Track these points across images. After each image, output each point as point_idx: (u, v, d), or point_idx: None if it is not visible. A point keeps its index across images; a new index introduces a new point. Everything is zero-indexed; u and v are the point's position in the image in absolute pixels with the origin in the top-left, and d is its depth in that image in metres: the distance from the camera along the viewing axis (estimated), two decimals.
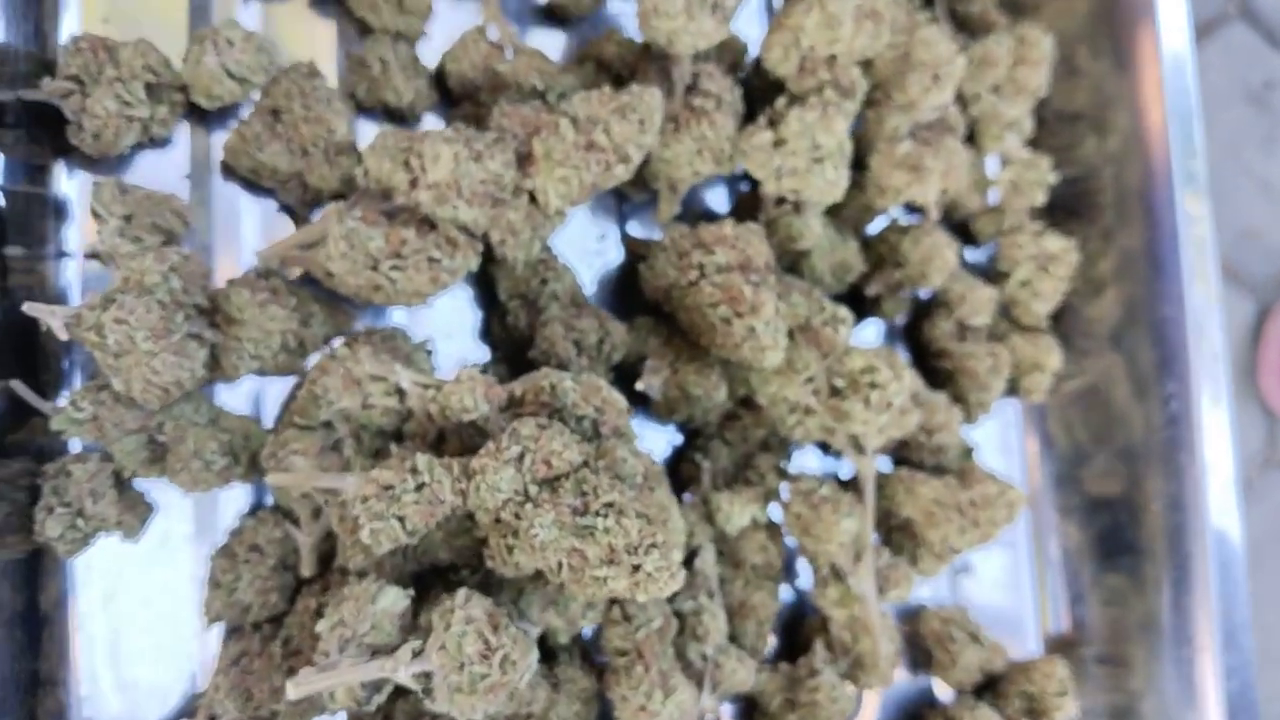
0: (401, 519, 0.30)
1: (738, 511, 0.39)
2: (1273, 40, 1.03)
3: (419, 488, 0.30)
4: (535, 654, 0.31)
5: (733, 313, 0.36)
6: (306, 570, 0.35)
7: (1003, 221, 0.47)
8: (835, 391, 0.39)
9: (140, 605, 0.37)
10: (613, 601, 0.36)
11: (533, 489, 0.30)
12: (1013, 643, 0.48)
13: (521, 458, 0.30)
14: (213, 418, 0.36)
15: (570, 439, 0.31)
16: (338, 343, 0.36)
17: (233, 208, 0.39)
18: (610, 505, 0.29)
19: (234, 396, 0.38)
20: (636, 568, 0.29)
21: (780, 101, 0.39)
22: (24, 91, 0.35)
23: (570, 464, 0.30)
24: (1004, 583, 0.49)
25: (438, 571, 0.36)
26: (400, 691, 0.33)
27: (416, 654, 0.30)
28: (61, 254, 0.37)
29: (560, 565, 0.29)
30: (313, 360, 0.37)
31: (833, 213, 0.43)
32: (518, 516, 0.30)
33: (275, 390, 0.39)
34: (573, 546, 0.29)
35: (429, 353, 0.37)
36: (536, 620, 0.35)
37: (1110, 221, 0.47)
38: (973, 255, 0.50)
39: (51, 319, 0.32)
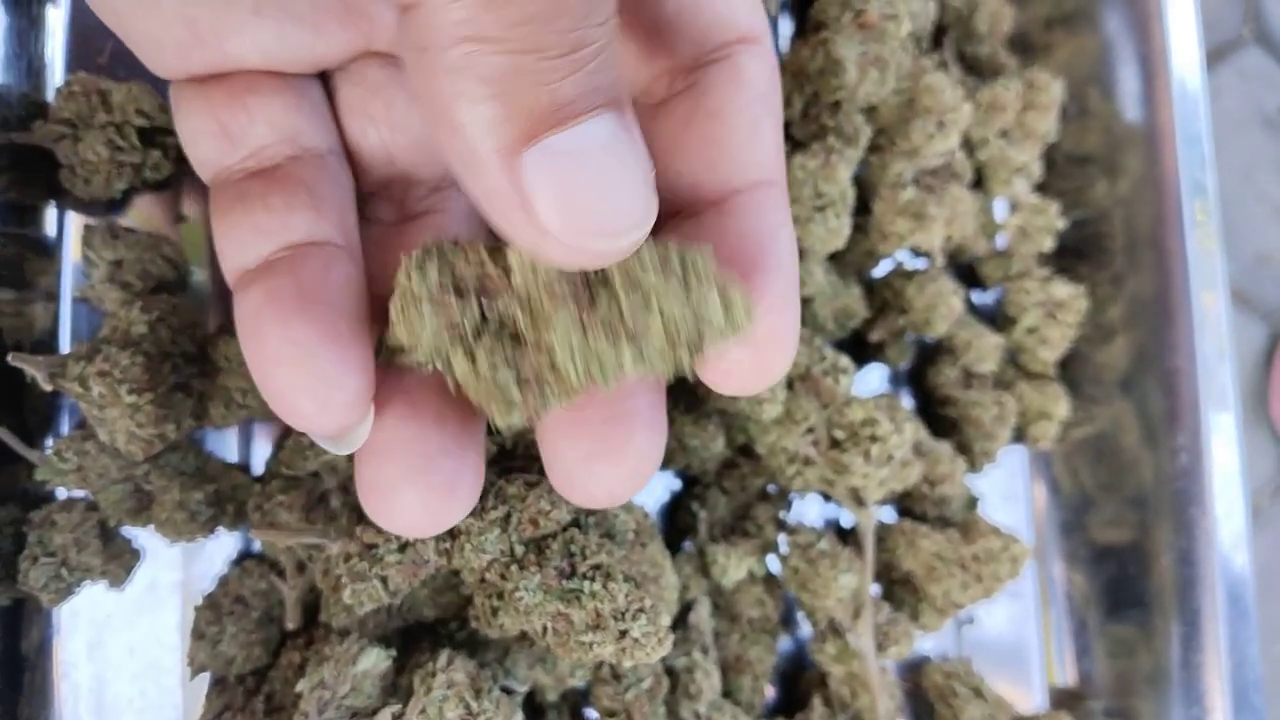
0: (384, 579, 0.30)
1: (734, 564, 0.39)
2: None
3: (402, 548, 0.30)
4: (519, 718, 0.30)
5: None
6: (291, 623, 0.35)
7: (1010, 267, 0.46)
8: (835, 443, 0.38)
9: (126, 653, 0.36)
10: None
11: (519, 549, 0.29)
12: (1018, 694, 0.47)
13: (508, 518, 0.29)
14: (199, 466, 0.35)
15: (559, 497, 0.30)
16: None
17: None
18: (598, 568, 0.29)
19: (222, 441, 0.38)
20: (623, 633, 0.28)
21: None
22: (16, 135, 0.34)
23: (558, 523, 0.30)
24: (1009, 632, 0.48)
25: (424, 626, 0.35)
26: None
27: (396, 718, 0.29)
28: (50, 296, 0.37)
29: (545, 629, 0.28)
30: None
31: (835, 258, 0.43)
32: (503, 578, 0.29)
33: (264, 435, 0.38)
34: (558, 611, 0.28)
35: None
36: (523, 678, 0.34)
37: (1121, 267, 0.46)
38: (980, 298, 0.49)
39: (36, 370, 0.32)
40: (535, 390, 0.18)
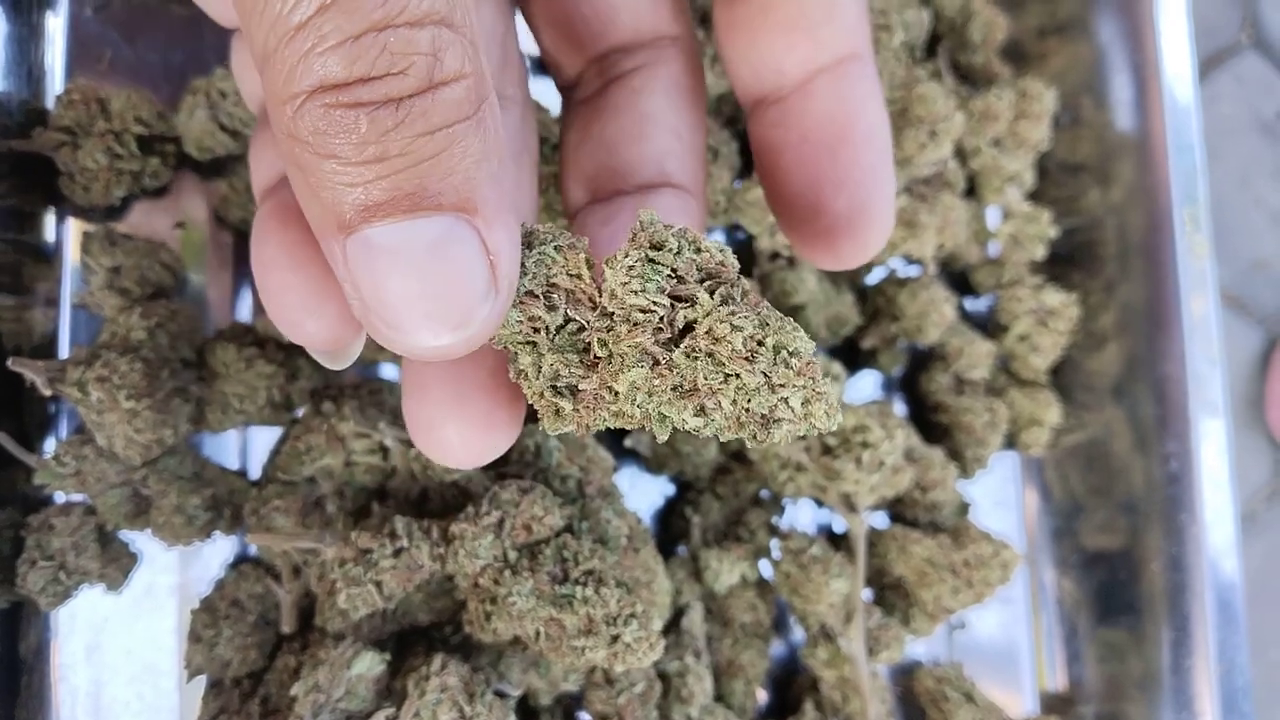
0: (379, 584, 0.30)
1: (726, 569, 0.39)
2: None
3: (397, 553, 0.30)
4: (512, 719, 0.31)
5: None
6: (287, 626, 0.35)
7: (1002, 274, 0.46)
8: (827, 449, 0.38)
9: (123, 656, 0.37)
10: None
11: (512, 555, 0.30)
12: (1009, 700, 0.47)
13: (501, 524, 0.30)
14: (197, 471, 0.35)
15: (552, 503, 0.30)
16: (324, 400, 0.35)
17: (225, 257, 0.39)
18: (590, 573, 0.29)
19: (220, 444, 0.38)
20: (615, 638, 0.28)
21: None
22: (16, 143, 0.35)
23: (551, 529, 0.30)
24: (1000, 637, 0.48)
25: (419, 630, 0.36)
26: None
27: None
28: (49, 302, 0.37)
29: (538, 634, 0.29)
30: (299, 412, 0.37)
31: None
32: (496, 583, 0.29)
33: (262, 438, 0.39)
34: (550, 616, 0.28)
35: None
36: (517, 682, 0.34)
37: (1113, 274, 0.47)
38: (972, 305, 0.50)
39: (36, 375, 0.32)
40: (590, 408, 0.18)
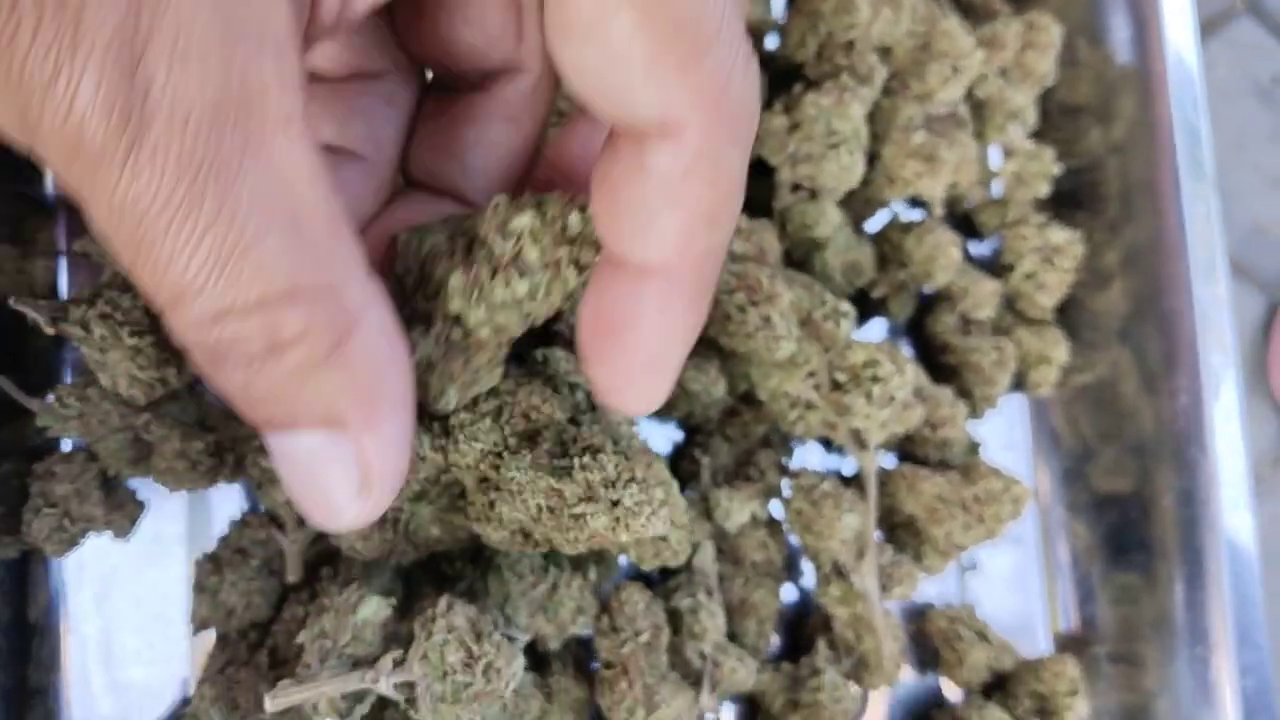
0: None
1: (737, 508, 0.39)
2: None
3: None
4: (521, 661, 0.30)
5: (748, 301, 0.36)
6: (292, 575, 0.35)
7: (1007, 214, 0.46)
8: (836, 386, 0.38)
9: (132, 605, 0.36)
10: (603, 610, 0.35)
11: (512, 441, 0.30)
12: (1022, 641, 0.47)
13: (499, 411, 0.30)
14: (200, 417, 0.35)
15: (551, 395, 0.30)
16: None
17: None
18: (588, 447, 0.29)
19: None
20: (615, 503, 0.28)
21: (797, 87, 0.39)
22: None
23: (550, 418, 0.30)
24: (1012, 581, 0.48)
25: (430, 569, 0.35)
26: (385, 702, 0.33)
27: (398, 664, 0.29)
28: (49, 252, 0.37)
29: (540, 509, 0.29)
30: None
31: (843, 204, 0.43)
32: (496, 469, 0.29)
33: None
34: (550, 486, 0.28)
35: None
36: (524, 626, 0.34)
37: (1116, 213, 0.47)
38: (976, 248, 0.50)
39: (38, 314, 0.32)
40: None
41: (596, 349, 0.22)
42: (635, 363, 0.22)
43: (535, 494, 0.28)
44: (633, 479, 0.28)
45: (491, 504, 0.30)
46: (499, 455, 0.30)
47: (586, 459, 0.29)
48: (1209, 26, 1.00)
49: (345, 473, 0.19)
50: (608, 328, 0.22)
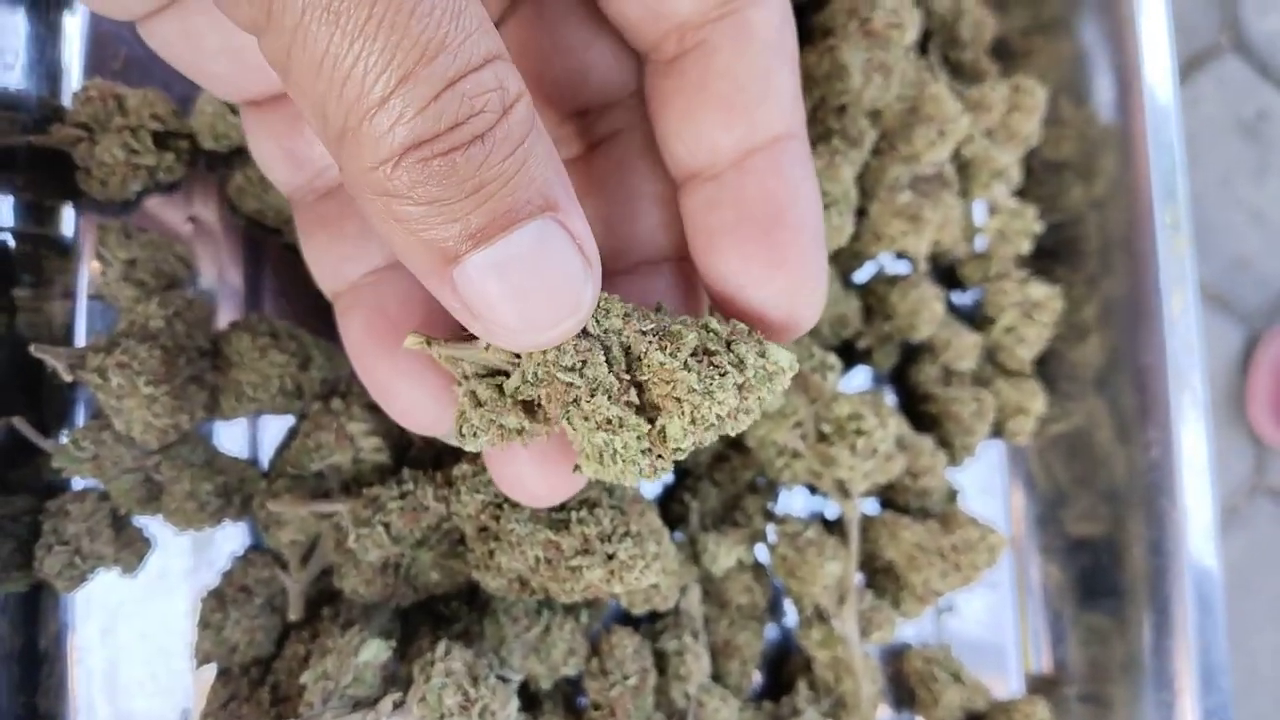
0: (387, 525, 0.32)
1: (724, 553, 0.40)
2: (1264, 72, 1.04)
3: (403, 495, 0.32)
4: (515, 704, 0.32)
5: None
6: (294, 614, 0.36)
7: (989, 269, 0.48)
8: (822, 437, 0.40)
9: (138, 638, 0.38)
10: (593, 651, 0.37)
11: None
12: (995, 681, 0.49)
13: None
14: (208, 458, 0.36)
15: None
16: (334, 397, 0.36)
17: (236, 248, 0.40)
18: (585, 501, 0.30)
19: (230, 432, 0.39)
20: (610, 556, 0.30)
21: None
22: (34, 138, 0.36)
23: None
24: (987, 622, 0.50)
25: (427, 610, 0.37)
26: None
27: (397, 705, 0.31)
28: (67, 294, 0.38)
29: (538, 561, 0.30)
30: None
31: (832, 260, 0.44)
32: (496, 519, 0.31)
33: (271, 426, 0.40)
34: (548, 539, 0.30)
35: None
36: (518, 667, 0.35)
37: (1094, 268, 0.48)
38: (959, 298, 0.51)
39: (57, 361, 0.33)
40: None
41: (765, 255, 0.21)
42: (807, 245, 0.21)
43: (534, 546, 0.30)
44: (627, 533, 0.30)
45: (491, 553, 0.32)
46: (499, 506, 0.31)
47: (583, 513, 0.30)
48: (1194, 63, 1.02)
49: (572, 253, 0.18)
50: (768, 219, 0.21)
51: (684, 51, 0.22)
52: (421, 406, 0.23)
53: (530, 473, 0.24)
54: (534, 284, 0.18)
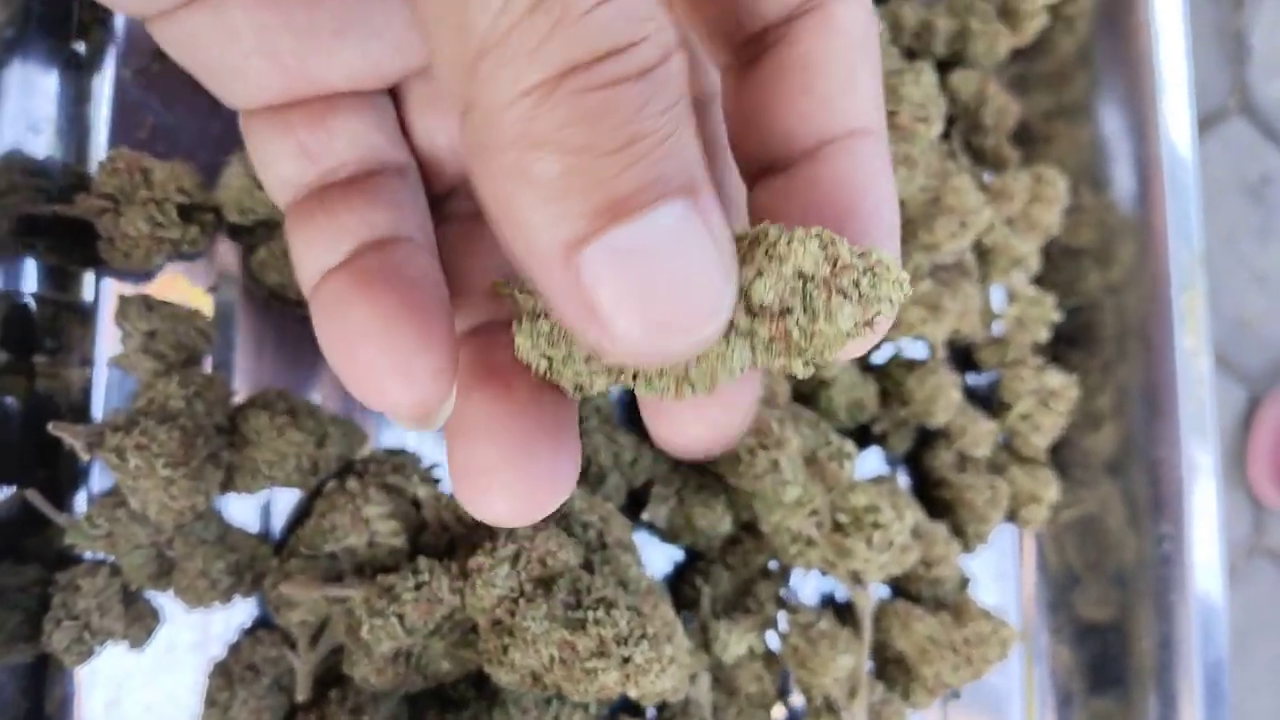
0: (401, 616, 0.31)
1: (735, 640, 0.40)
2: (1271, 135, 1.05)
3: (418, 586, 0.31)
4: None
5: (758, 444, 0.37)
6: (301, 695, 0.36)
7: (1006, 354, 0.48)
8: (838, 527, 0.39)
9: (143, 711, 0.37)
10: None
11: (527, 587, 0.31)
12: None
13: (517, 556, 0.31)
14: (221, 535, 0.36)
15: (566, 541, 0.32)
16: (350, 477, 0.36)
17: (254, 320, 0.40)
18: (602, 600, 0.30)
19: (242, 503, 0.39)
20: (626, 659, 0.29)
21: None
22: (60, 207, 0.36)
23: (565, 564, 0.31)
24: (996, 706, 0.50)
25: (434, 694, 0.36)
26: None
27: None
28: (85, 361, 0.38)
29: (552, 660, 0.30)
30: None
31: None
32: (512, 614, 0.31)
33: (283, 499, 0.39)
34: (563, 639, 0.29)
35: (436, 481, 0.38)
36: None
37: (1110, 355, 0.48)
38: (974, 379, 0.51)
39: (75, 440, 0.33)
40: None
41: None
42: (882, 240, 0.19)
43: (549, 645, 0.30)
44: (644, 635, 0.30)
45: (505, 648, 0.31)
46: (515, 601, 0.31)
47: (600, 613, 0.30)
48: (1202, 124, 1.03)
49: (712, 250, 0.15)
50: (840, 209, 0.19)
51: (765, 49, 0.20)
52: (387, 360, 0.19)
53: (499, 495, 0.19)
54: (669, 280, 0.14)
